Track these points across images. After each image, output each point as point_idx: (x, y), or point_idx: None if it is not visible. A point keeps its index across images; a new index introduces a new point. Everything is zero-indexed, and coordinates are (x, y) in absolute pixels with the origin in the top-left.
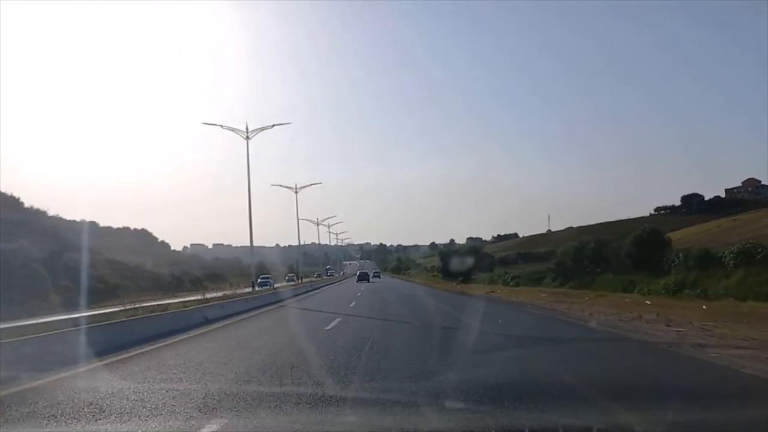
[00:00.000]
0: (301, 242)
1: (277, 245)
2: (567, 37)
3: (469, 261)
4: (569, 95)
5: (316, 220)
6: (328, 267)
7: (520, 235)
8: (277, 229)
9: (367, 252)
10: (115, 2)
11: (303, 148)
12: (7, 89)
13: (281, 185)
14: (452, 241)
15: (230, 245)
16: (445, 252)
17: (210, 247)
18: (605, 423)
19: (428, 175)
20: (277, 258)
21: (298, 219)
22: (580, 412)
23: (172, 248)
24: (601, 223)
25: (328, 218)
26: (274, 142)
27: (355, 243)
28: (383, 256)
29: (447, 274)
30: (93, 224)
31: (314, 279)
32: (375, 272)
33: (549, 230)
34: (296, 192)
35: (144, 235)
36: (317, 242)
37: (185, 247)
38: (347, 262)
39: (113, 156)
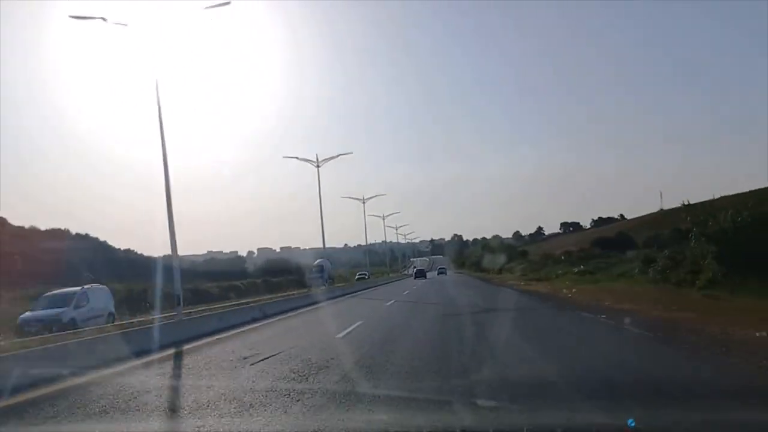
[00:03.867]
0: (369, 241)
1: (346, 245)
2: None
3: None
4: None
5: (361, 199)
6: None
7: (627, 217)
8: (344, 229)
9: (439, 247)
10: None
11: (384, 148)
12: None
13: (350, 197)
14: (540, 228)
15: (299, 247)
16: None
17: (278, 250)
18: None
19: (512, 166)
20: (343, 258)
21: (365, 228)
22: None
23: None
24: (724, 197)
25: (393, 216)
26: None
27: (428, 239)
28: (460, 249)
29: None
30: None
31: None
32: (441, 268)
33: (661, 209)
34: (364, 203)
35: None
36: (385, 240)
37: (250, 252)
38: (415, 259)
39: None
